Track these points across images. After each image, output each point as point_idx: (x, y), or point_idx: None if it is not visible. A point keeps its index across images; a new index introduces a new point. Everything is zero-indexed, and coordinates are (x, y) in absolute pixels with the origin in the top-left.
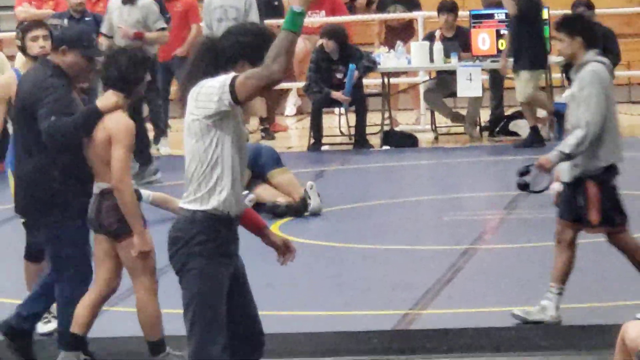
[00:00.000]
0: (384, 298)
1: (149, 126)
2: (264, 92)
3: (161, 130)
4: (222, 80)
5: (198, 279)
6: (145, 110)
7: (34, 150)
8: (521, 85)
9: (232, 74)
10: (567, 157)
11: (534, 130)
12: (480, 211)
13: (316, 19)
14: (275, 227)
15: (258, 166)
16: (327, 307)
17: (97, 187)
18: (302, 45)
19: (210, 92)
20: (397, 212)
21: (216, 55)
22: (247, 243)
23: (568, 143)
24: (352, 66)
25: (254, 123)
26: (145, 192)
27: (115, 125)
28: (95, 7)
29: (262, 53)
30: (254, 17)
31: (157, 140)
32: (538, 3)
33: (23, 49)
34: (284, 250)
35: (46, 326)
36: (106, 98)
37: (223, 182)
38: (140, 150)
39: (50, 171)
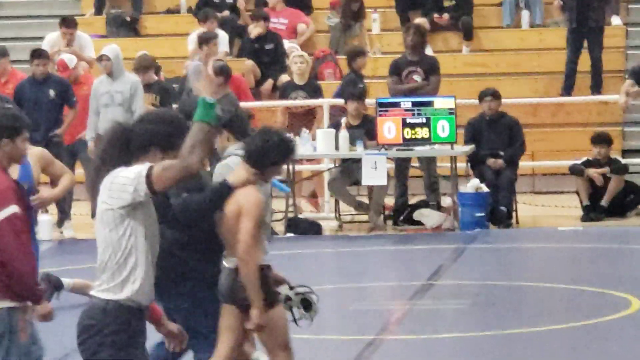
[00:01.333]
0: None
1: (53, 209)
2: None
3: (65, 214)
4: (138, 171)
5: None
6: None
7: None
8: None
9: (147, 164)
10: None
11: None
12: (385, 301)
13: None
14: None
15: None
16: None
17: (231, 262)
18: None
19: (125, 182)
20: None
21: (127, 143)
22: None
23: None
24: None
25: None
26: (65, 280)
27: (245, 198)
28: (4, 88)
29: (175, 141)
30: (139, 102)
31: (60, 223)
32: None
33: None
34: (180, 337)
35: None
36: (238, 173)
37: (137, 271)
38: None
39: (185, 244)
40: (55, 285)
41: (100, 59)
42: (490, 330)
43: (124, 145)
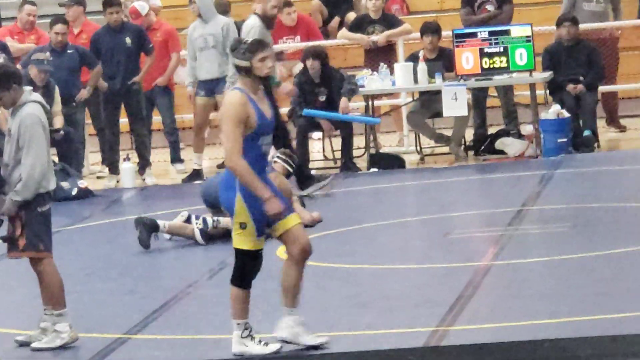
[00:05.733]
0: (408, 316)
1: (134, 156)
2: None
3: (146, 161)
4: None
5: None
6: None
7: None
8: None
9: None
10: None
11: None
12: (485, 227)
13: (291, 44)
14: (282, 250)
15: None
16: (350, 327)
17: None
18: (278, 71)
19: None
20: (399, 232)
21: None
22: (264, 267)
23: None
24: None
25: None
26: (161, 222)
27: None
28: (78, 39)
29: None
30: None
31: (142, 170)
32: None
33: None
34: None
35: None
36: None
37: None
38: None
39: None
40: (151, 227)
41: (190, 2)
42: (598, 250)
43: None
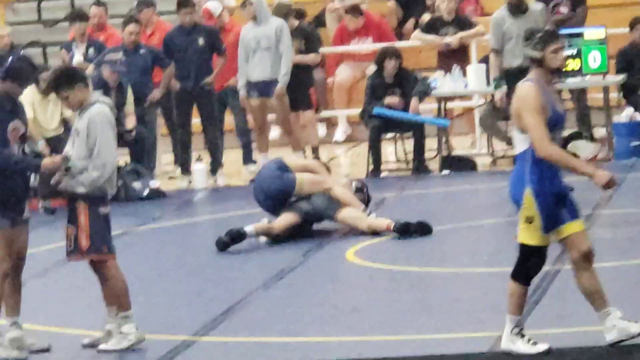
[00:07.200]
0: (475, 320)
1: (207, 157)
2: None
3: (218, 161)
4: None
5: None
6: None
7: None
8: None
9: None
10: None
11: None
12: None
13: (364, 45)
14: (351, 253)
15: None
16: (418, 330)
17: None
18: (351, 72)
19: None
20: (469, 235)
21: None
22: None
23: None
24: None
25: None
26: (247, 228)
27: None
28: (150, 39)
29: None
30: (286, 45)
31: (214, 171)
32: None
33: None
34: None
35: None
36: None
37: None
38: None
39: None
40: (235, 237)
41: (243, 4)
42: None
43: None
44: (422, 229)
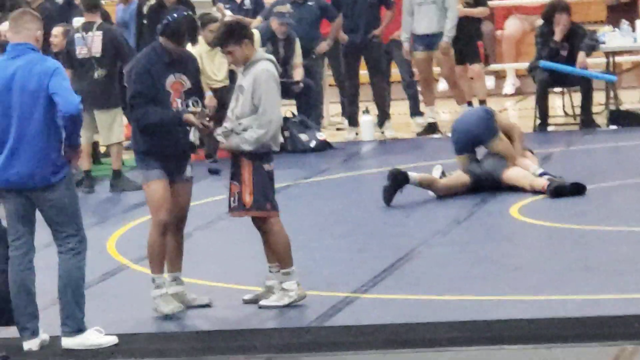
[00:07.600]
0: (636, 280)
1: (374, 109)
2: None
3: (385, 114)
4: None
5: None
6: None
7: None
8: None
9: None
10: None
11: None
12: None
13: None
14: (515, 209)
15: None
16: (576, 291)
17: None
18: (520, 25)
19: None
20: (636, 193)
21: None
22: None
23: None
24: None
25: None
26: (412, 175)
27: None
28: None
29: None
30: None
31: (381, 123)
32: None
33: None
34: None
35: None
36: None
37: None
38: None
39: None
40: (400, 180)
41: None
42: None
43: None
44: (576, 191)
